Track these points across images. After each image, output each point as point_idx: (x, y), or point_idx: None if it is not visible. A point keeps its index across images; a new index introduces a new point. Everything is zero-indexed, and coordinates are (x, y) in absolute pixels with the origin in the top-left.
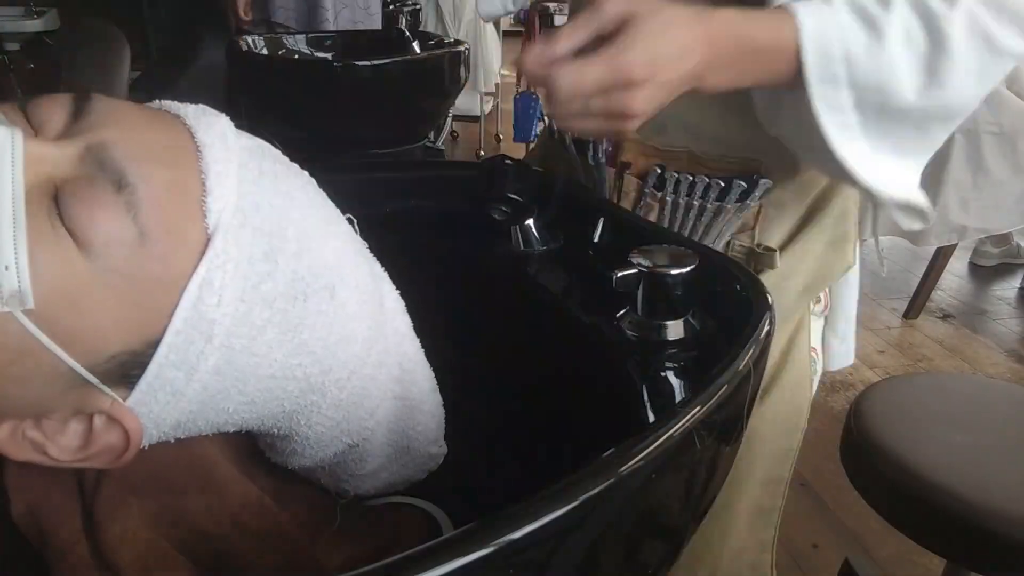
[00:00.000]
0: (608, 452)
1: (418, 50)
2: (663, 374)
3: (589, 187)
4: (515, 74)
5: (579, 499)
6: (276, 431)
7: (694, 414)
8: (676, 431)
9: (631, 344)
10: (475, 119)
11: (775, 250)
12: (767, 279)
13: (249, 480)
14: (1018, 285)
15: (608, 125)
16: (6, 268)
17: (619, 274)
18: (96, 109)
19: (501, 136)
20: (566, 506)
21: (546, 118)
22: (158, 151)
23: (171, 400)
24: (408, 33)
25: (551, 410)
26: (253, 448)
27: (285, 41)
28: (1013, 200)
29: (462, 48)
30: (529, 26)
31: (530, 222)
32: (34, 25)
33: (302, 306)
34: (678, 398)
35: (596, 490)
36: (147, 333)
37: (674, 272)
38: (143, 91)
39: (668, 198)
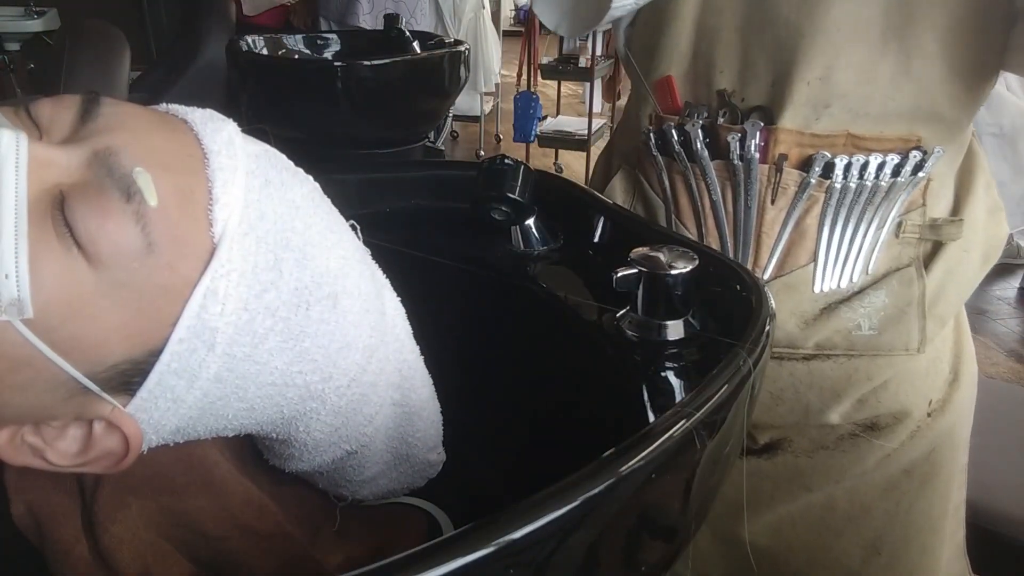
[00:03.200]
0: (608, 452)
1: (418, 50)
2: (663, 374)
3: (691, 188)
4: (515, 74)
5: (579, 499)
6: (275, 436)
7: (694, 414)
8: (676, 431)
9: (631, 344)
10: (475, 119)
11: (961, 220)
12: (949, 254)
13: (249, 481)
14: (1018, 285)
15: None
16: (6, 277)
17: (619, 274)
18: (103, 112)
19: (501, 136)
20: (566, 506)
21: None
22: (166, 157)
23: (171, 406)
24: (408, 33)
25: (551, 410)
26: (253, 449)
27: (285, 41)
28: (1014, 202)
29: (462, 48)
30: (529, 26)
31: (530, 222)
32: (34, 25)
33: (304, 315)
34: (678, 398)
35: (596, 490)
36: (149, 341)
37: (674, 272)
38: (143, 91)
39: (837, 184)
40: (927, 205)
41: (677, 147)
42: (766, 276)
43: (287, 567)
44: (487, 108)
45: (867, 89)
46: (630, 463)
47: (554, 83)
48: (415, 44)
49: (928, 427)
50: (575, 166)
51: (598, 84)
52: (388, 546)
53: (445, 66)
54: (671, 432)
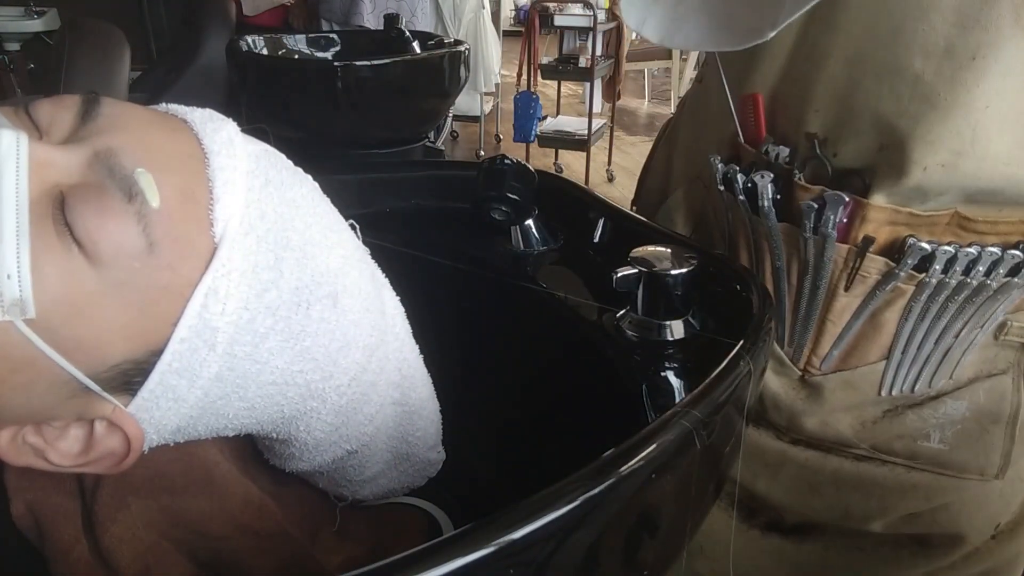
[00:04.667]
0: (608, 452)
1: (418, 50)
2: (663, 374)
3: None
4: (515, 74)
5: (579, 499)
6: (275, 435)
7: (694, 414)
8: (676, 431)
9: (631, 344)
10: (475, 119)
11: None
12: None
13: (249, 481)
14: None
15: None
16: (8, 277)
17: (619, 274)
18: (104, 112)
19: (501, 136)
20: (566, 506)
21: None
22: (167, 158)
23: (173, 406)
24: (408, 33)
25: (551, 410)
26: (253, 449)
27: (285, 41)
28: None
29: (462, 48)
30: (529, 26)
31: (530, 222)
32: (34, 25)
33: (305, 314)
34: (678, 398)
35: (596, 490)
36: (151, 341)
37: (674, 272)
38: (143, 91)
39: (932, 279)
40: None
41: (741, 195)
42: (823, 368)
43: (287, 567)
44: (487, 108)
45: (1003, 178)
46: (630, 463)
47: (554, 83)
48: (415, 44)
49: (989, 551)
50: (575, 166)
51: (598, 84)
52: (388, 546)
53: (445, 66)
54: (671, 432)
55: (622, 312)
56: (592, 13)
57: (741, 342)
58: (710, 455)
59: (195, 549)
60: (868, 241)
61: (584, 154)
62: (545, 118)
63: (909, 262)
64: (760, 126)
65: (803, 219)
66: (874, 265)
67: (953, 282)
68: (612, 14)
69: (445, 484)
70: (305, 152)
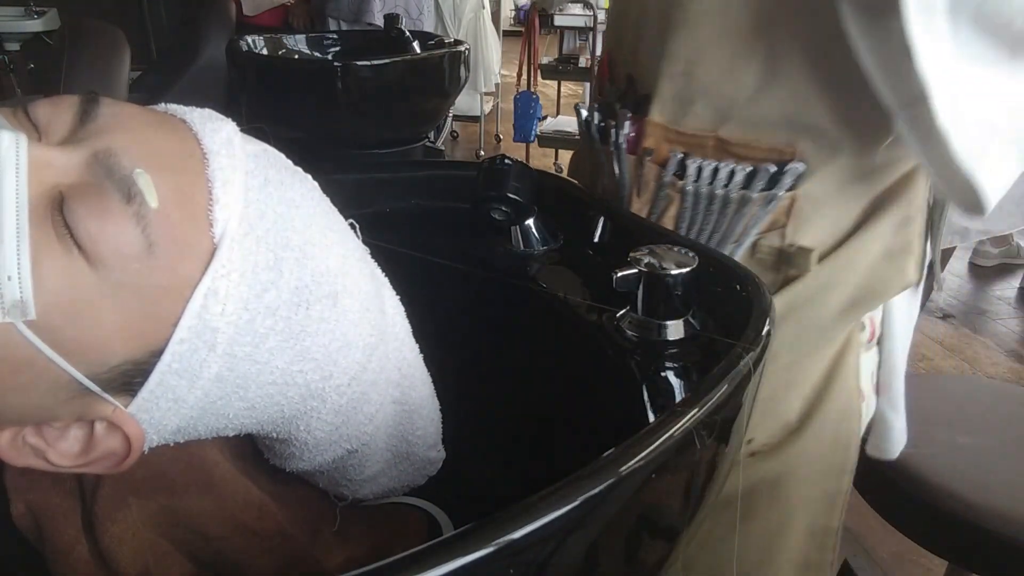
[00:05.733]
0: (608, 452)
1: (418, 50)
2: (663, 374)
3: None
4: (515, 74)
5: (579, 499)
6: (275, 435)
7: (694, 414)
8: (676, 431)
9: (631, 344)
10: (475, 119)
11: (811, 250)
12: (802, 287)
13: (249, 480)
14: (1018, 285)
15: None
16: (8, 279)
17: (619, 274)
18: (103, 113)
19: (501, 136)
20: (566, 506)
21: (582, 110)
22: (166, 158)
23: (173, 407)
24: (408, 33)
25: (551, 410)
26: (253, 449)
27: (285, 41)
28: (1014, 203)
29: (462, 48)
30: (529, 26)
31: (530, 222)
32: (34, 25)
33: (305, 314)
34: (678, 398)
35: (596, 490)
36: (151, 342)
37: (674, 272)
38: (143, 91)
39: (689, 187)
40: (789, 227)
41: (594, 131)
42: None
43: (287, 567)
44: (487, 108)
45: (732, 87)
46: (630, 463)
47: (554, 83)
48: (415, 44)
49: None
50: None
51: None
52: (388, 546)
53: (445, 66)
54: (671, 432)
55: (622, 312)
56: (592, 13)
57: (741, 342)
58: (710, 455)
59: (195, 549)
60: (647, 151)
61: None
62: (545, 118)
63: (670, 168)
64: (603, 78)
65: (609, 137)
66: (651, 173)
67: (704, 191)
68: None
69: (445, 484)
70: (305, 152)
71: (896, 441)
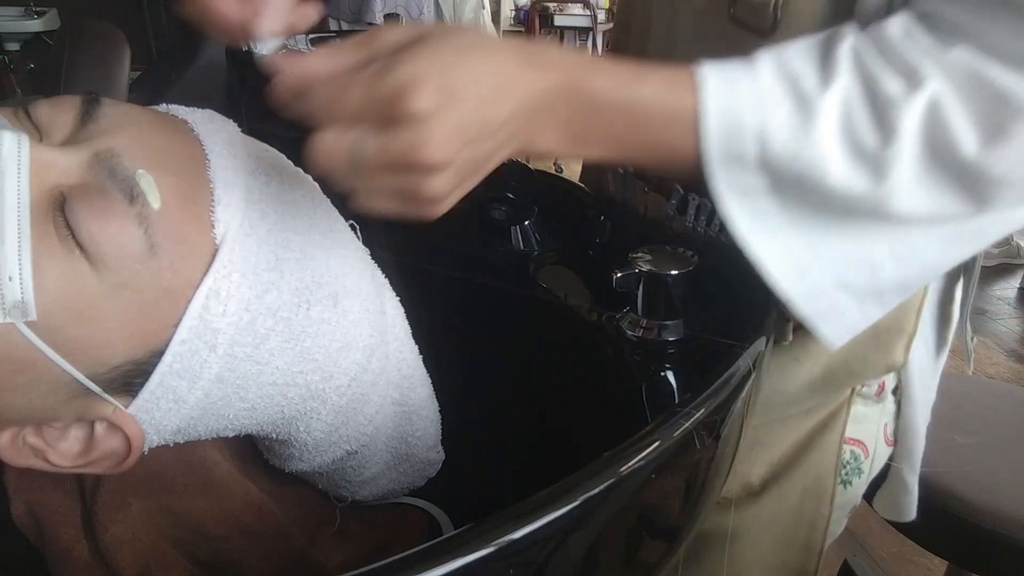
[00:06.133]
0: (608, 452)
1: None
2: (663, 374)
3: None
4: None
5: (579, 499)
6: (275, 436)
7: (694, 414)
8: (676, 431)
9: (631, 344)
10: None
11: (789, 320)
12: (775, 356)
13: (249, 481)
14: (1018, 285)
15: (393, 184)
16: (9, 279)
17: (619, 274)
18: (104, 113)
19: None
20: (566, 506)
21: None
22: (168, 159)
23: (173, 407)
24: None
25: (551, 410)
26: (253, 450)
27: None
28: None
29: None
30: (529, 26)
31: (530, 222)
32: (34, 25)
33: (305, 314)
34: (678, 398)
35: (596, 490)
36: (151, 342)
37: (674, 272)
38: (143, 91)
39: (688, 224)
40: None
41: None
42: None
43: (287, 567)
44: None
45: None
46: (630, 463)
47: None
48: None
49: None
50: (575, 166)
51: None
52: (388, 546)
53: None
54: (671, 432)
55: (622, 312)
56: (592, 13)
57: (741, 342)
58: (710, 455)
59: (195, 549)
60: (651, 184)
61: None
62: None
63: (673, 201)
64: None
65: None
66: (655, 203)
67: (701, 231)
68: (612, 14)
69: (445, 484)
70: (305, 152)
71: (913, 505)
